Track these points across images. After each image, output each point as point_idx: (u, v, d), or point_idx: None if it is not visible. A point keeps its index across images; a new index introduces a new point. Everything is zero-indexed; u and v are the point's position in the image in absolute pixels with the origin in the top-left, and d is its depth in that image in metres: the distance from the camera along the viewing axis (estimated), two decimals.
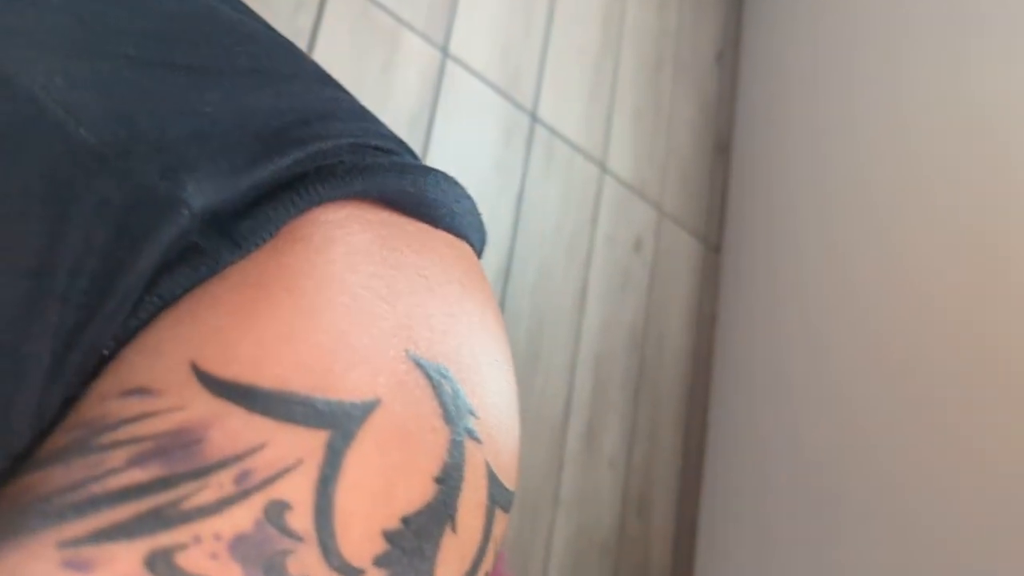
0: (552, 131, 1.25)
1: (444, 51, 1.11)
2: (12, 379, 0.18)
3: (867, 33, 1.41)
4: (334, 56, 0.97)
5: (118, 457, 0.17)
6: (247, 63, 0.23)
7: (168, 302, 0.19)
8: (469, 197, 0.26)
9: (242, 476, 0.18)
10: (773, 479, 1.31)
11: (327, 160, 0.22)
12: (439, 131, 1.08)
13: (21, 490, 0.17)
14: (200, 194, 0.19)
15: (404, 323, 0.21)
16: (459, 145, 1.12)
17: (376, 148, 0.24)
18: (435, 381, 0.21)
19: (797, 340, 1.34)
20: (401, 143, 0.26)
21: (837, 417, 1.25)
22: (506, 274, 1.16)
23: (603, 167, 1.33)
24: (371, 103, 1.00)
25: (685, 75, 1.53)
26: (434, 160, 1.07)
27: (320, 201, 0.21)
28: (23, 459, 0.18)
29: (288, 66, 0.24)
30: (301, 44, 0.94)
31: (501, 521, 0.23)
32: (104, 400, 0.18)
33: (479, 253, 0.27)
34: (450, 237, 0.24)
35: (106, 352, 0.19)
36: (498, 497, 0.22)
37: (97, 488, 0.17)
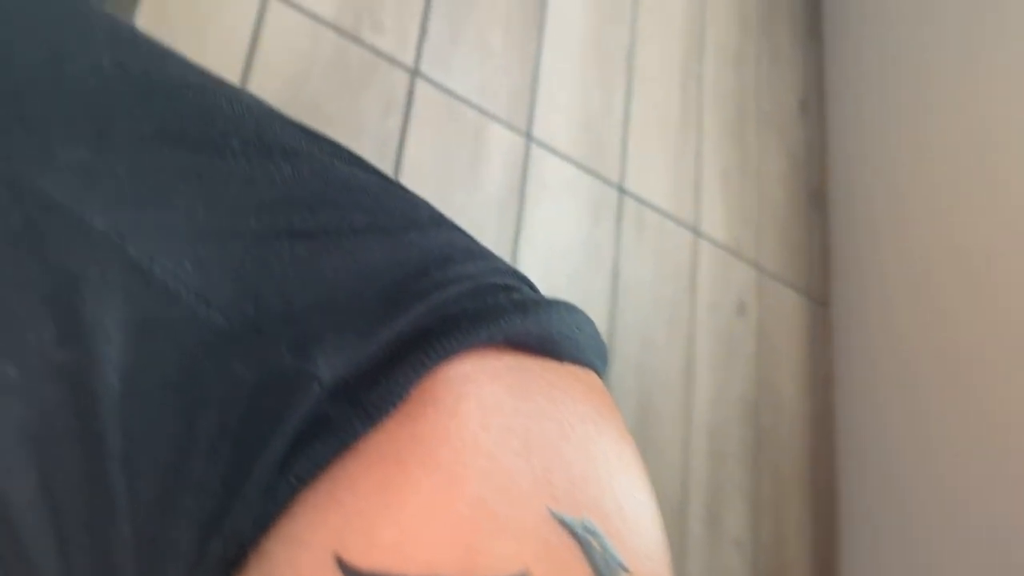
0: (641, 201, 1.23)
1: (528, 136, 1.10)
2: (154, 570, 0.18)
3: (950, 62, 1.34)
4: (423, 153, 0.98)
5: None
6: (363, 220, 0.23)
7: (305, 481, 0.19)
8: (590, 321, 0.25)
9: None
10: (919, 542, 1.20)
11: (449, 309, 0.21)
12: (529, 216, 1.07)
13: None
14: (330, 366, 0.19)
15: (543, 478, 0.20)
16: (550, 227, 1.10)
17: (496, 287, 0.23)
18: (582, 539, 0.20)
19: (928, 389, 1.25)
20: (519, 275, 0.25)
21: (992, 472, 1.14)
22: (608, 352, 1.12)
23: (696, 231, 1.29)
24: (461, 195, 1.02)
25: (770, 128, 1.49)
26: (526, 244, 1.06)
27: (447, 356, 0.21)
28: None
29: (400, 214, 0.24)
30: (391, 146, 0.95)
31: None
32: None
33: (603, 376, 0.26)
34: (577, 370, 0.24)
35: (247, 541, 0.19)
36: None
37: None
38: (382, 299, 0.21)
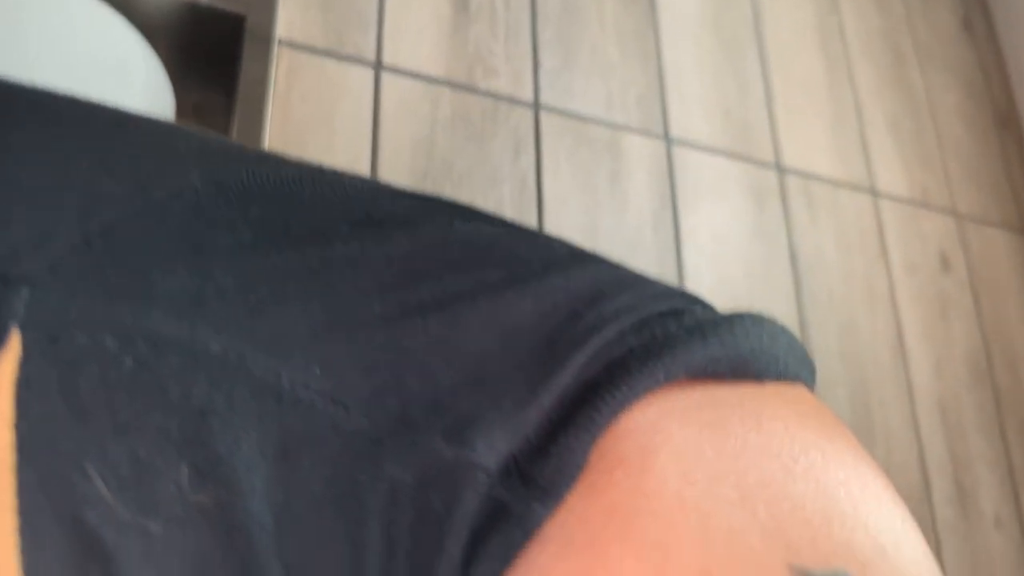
0: (804, 175, 1.14)
1: (666, 138, 1.05)
2: None
3: None
4: (563, 184, 0.96)
5: None
6: (496, 275, 0.20)
7: None
8: (783, 329, 0.21)
9: None
10: None
11: (614, 353, 0.18)
12: (686, 221, 1.02)
13: None
14: (492, 449, 0.17)
15: (774, 528, 0.17)
16: (711, 227, 1.04)
17: (662, 315, 0.20)
18: None
19: None
20: (685, 295, 0.22)
21: None
22: (804, 344, 1.04)
23: (873, 192, 1.18)
24: (609, 218, 0.98)
25: (932, 59, 1.34)
26: (690, 250, 1.01)
27: (622, 407, 0.18)
28: None
29: (537, 259, 0.21)
30: (529, 185, 0.94)
31: None
32: None
33: (812, 387, 0.22)
34: (782, 388, 0.20)
35: None
36: None
37: None
38: (535, 357, 0.18)
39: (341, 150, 0.85)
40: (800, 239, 1.10)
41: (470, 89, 0.95)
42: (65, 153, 0.20)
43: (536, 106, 0.98)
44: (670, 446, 0.18)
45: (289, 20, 0.87)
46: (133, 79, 0.47)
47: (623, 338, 0.19)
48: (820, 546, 0.17)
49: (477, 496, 0.17)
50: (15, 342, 0.17)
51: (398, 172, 0.86)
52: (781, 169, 1.13)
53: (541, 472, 0.17)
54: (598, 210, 0.97)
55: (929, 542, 1.03)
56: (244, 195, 0.21)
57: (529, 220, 0.92)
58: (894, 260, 1.16)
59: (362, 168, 0.85)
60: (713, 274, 1.02)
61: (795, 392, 0.21)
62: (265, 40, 0.58)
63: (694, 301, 0.22)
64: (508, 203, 0.92)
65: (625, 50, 1.07)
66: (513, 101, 0.97)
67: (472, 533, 0.17)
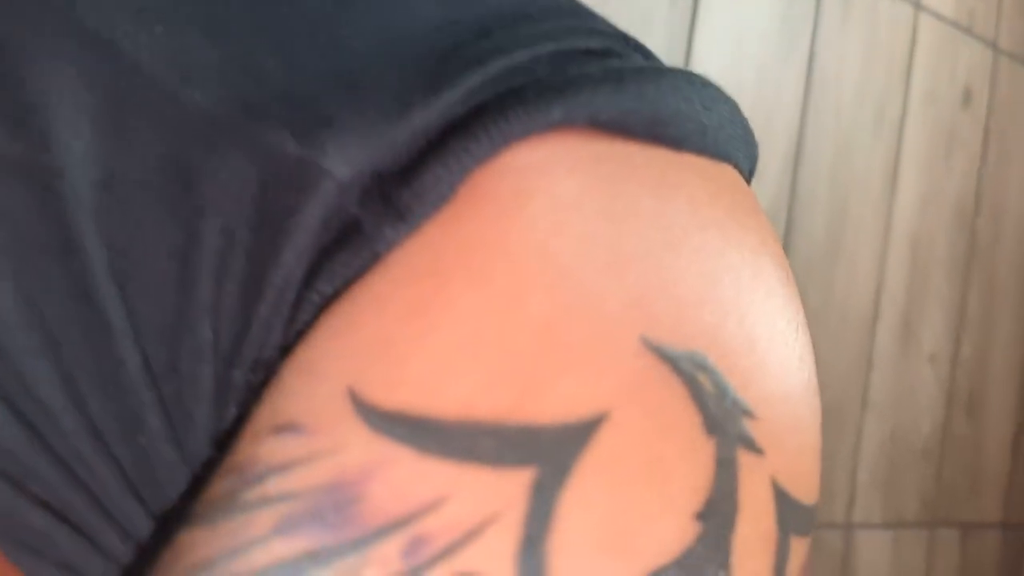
0: None
1: None
2: (176, 406, 0.16)
3: None
4: None
5: (263, 521, 0.15)
6: None
7: (330, 298, 0.16)
8: (727, 101, 0.19)
9: (414, 545, 0.14)
10: None
11: (515, 81, 0.16)
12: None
13: (172, 556, 0.15)
14: (345, 157, 0.15)
15: (638, 298, 0.16)
16: (733, 11, 0.96)
17: (587, 53, 0.17)
18: (688, 376, 0.16)
19: None
20: (627, 38, 0.19)
21: None
22: (796, 158, 1.01)
23: (917, 4, 1.09)
24: None
25: None
26: (703, 34, 0.93)
27: (506, 141, 0.16)
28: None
29: None
30: None
31: (799, 550, 0.17)
32: (256, 438, 0.16)
33: (748, 175, 0.20)
34: (702, 161, 0.18)
35: (270, 368, 0.16)
36: (792, 521, 0.17)
37: (238, 567, 0.14)
38: (421, 67, 0.16)
39: None
40: (823, 42, 1.02)
41: None
42: None
43: None
44: (549, 192, 0.16)
45: None
46: None
47: (532, 67, 0.16)
48: (683, 327, 0.16)
49: (321, 206, 0.15)
50: None
51: None
52: None
53: (400, 195, 0.15)
54: None
55: (862, 368, 1.08)
56: None
57: None
58: (915, 84, 1.10)
59: None
60: (721, 62, 0.96)
61: (717, 169, 0.18)
62: None
63: (637, 48, 0.19)
64: None
65: None
66: None
67: (319, 248, 0.15)
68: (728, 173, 0.19)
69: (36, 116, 0.15)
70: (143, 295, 0.16)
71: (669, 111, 0.17)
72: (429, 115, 0.16)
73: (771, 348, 0.17)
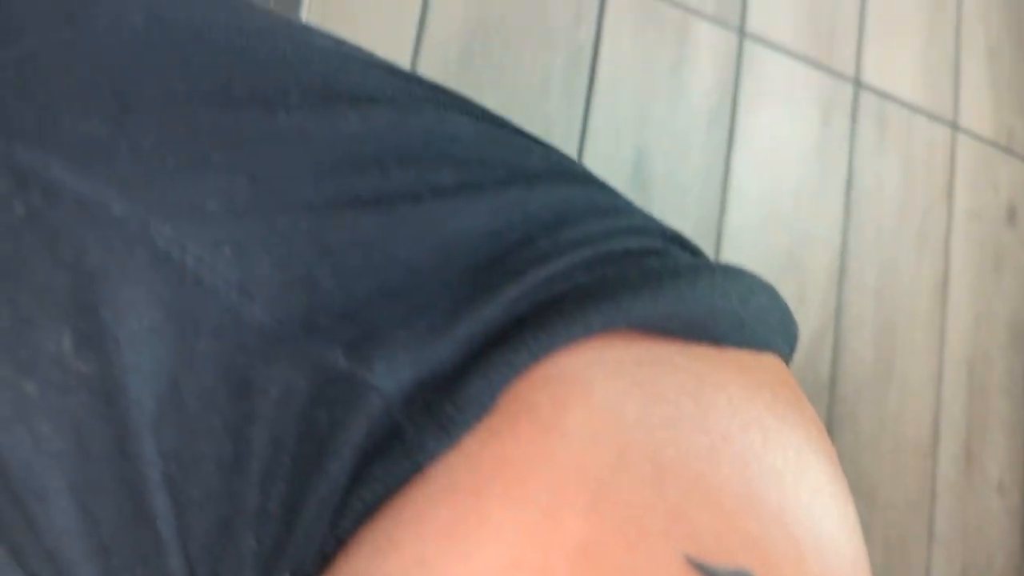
0: (882, 95, 1.05)
1: (740, 32, 0.97)
2: None
3: None
4: (619, 64, 0.89)
5: None
6: (451, 177, 0.18)
7: (372, 506, 0.16)
8: (765, 289, 0.19)
9: None
10: None
11: (555, 288, 0.17)
12: (744, 122, 0.95)
13: None
14: (392, 373, 0.16)
15: (679, 512, 0.15)
16: (769, 134, 0.97)
17: (625, 253, 0.18)
18: None
19: None
20: (665, 232, 0.19)
21: None
22: (840, 275, 0.99)
23: (954, 126, 1.10)
24: (662, 106, 0.92)
25: None
26: (742, 155, 0.94)
27: (546, 352, 0.16)
28: None
29: (503, 165, 0.19)
30: (584, 59, 0.87)
31: None
32: None
33: (788, 358, 0.20)
34: (741, 355, 0.18)
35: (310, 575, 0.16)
36: None
37: None
38: (466, 280, 0.17)
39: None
40: (861, 163, 1.03)
41: None
42: None
43: None
44: (587, 402, 0.16)
45: None
46: None
47: (571, 273, 0.17)
48: (726, 540, 0.15)
49: (368, 419, 0.16)
50: None
51: (449, 18, 0.80)
52: (858, 84, 1.04)
53: (442, 407, 0.16)
54: (652, 98, 0.91)
55: (925, 498, 1.02)
56: (190, 41, 0.18)
57: (576, 98, 0.86)
58: (958, 202, 1.09)
59: (412, 10, 0.79)
60: (760, 185, 0.96)
61: (758, 361, 0.18)
62: None
63: (675, 241, 0.19)
64: (557, 73, 0.86)
65: None
66: None
67: (362, 453, 0.16)
68: (768, 363, 0.19)
69: (108, 336, 0.16)
70: (193, 505, 0.16)
71: (707, 310, 0.17)
72: (473, 328, 0.16)
73: (820, 554, 0.16)
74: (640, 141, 0.89)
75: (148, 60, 0.18)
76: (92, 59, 0.17)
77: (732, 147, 0.95)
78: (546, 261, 0.17)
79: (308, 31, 0.20)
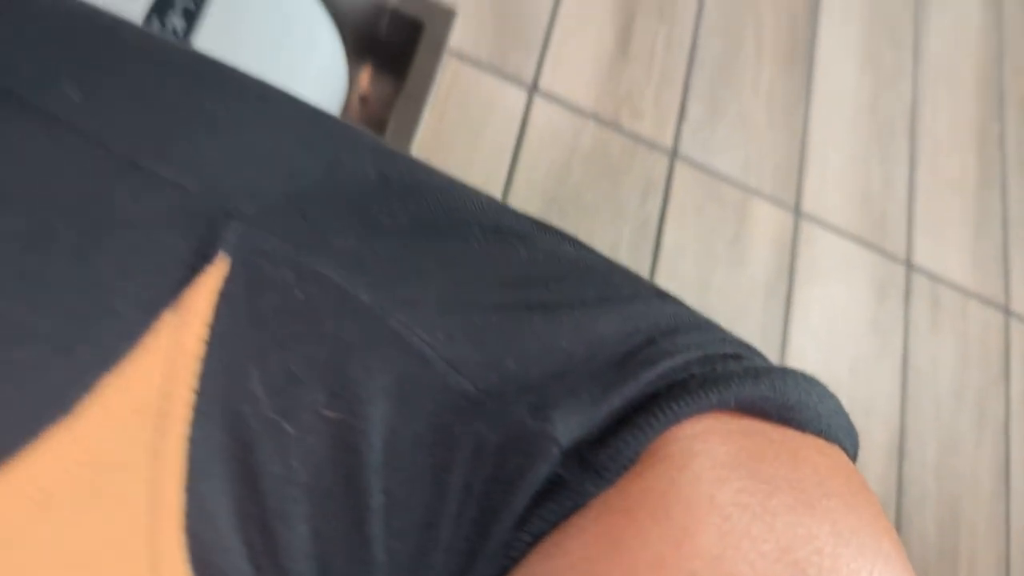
0: (934, 278, 1.09)
1: (796, 212, 1.04)
2: None
3: None
4: (683, 236, 0.96)
5: None
6: (593, 294, 0.24)
7: (536, 538, 0.19)
8: (833, 396, 0.23)
9: None
10: None
11: (678, 376, 0.21)
12: (800, 298, 1.00)
13: None
14: (566, 430, 0.20)
15: (785, 546, 0.19)
16: (825, 310, 1.01)
17: (725, 356, 0.23)
18: None
19: None
20: (749, 347, 0.25)
21: None
22: (900, 453, 0.99)
23: (1007, 311, 1.12)
24: (721, 277, 0.97)
25: None
26: (798, 330, 0.98)
27: (676, 419, 0.20)
28: None
29: (626, 287, 0.25)
30: (650, 229, 0.94)
31: None
32: None
33: (852, 458, 0.24)
34: (820, 443, 0.22)
35: None
36: None
37: None
38: (613, 366, 0.21)
39: (482, 159, 0.87)
40: (916, 343, 1.05)
41: (614, 127, 0.96)
42: (278, 131, 0.25)
43: (673, 154, 0.99)
44: (709, 455, 0.20)
45: (463, 32, 0.90)
46: (320, 56, 0.50)
47: (688, 366, 0.22)
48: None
49: (547, 465, 0.19)
50: (223, 263, 0.21)
51: (530, 190, 0.88)
52: (910, 266, 1.09)
53: (598, 459, 0.20)
54: (713, 267, 0.96)
55: None
56: (405, 190, 0.25)
57: (643, 262, 0.92)
58: (1016, 385, 1.10)
59: (497, 180, 0.87)
60: (817, 358, 0.99)
61: (832, 451, 0.22)
62: (438, 47, 0.61)
63: (756, 354, 0.25)
64: (626, 242, 0.93)
65: (773, 116, 1.06)
66: (652, 146, 0.98)
67: (534, 497, 0.19)
68: (840, 454, 0.23)
69: (351, 391, 0.21)
70: (400, 536, 0.20)
71: (794, 400, 0.22)
72: (620, 400, 0.21)
73: None
74: (701, 306, 0.93)
75: (380, 201, 0.24)
76: (345, 199, 0.24)
77: (789, 318, 0.99)
78: (669, 355, 0.22)
79: (472, 189, 0.27)
